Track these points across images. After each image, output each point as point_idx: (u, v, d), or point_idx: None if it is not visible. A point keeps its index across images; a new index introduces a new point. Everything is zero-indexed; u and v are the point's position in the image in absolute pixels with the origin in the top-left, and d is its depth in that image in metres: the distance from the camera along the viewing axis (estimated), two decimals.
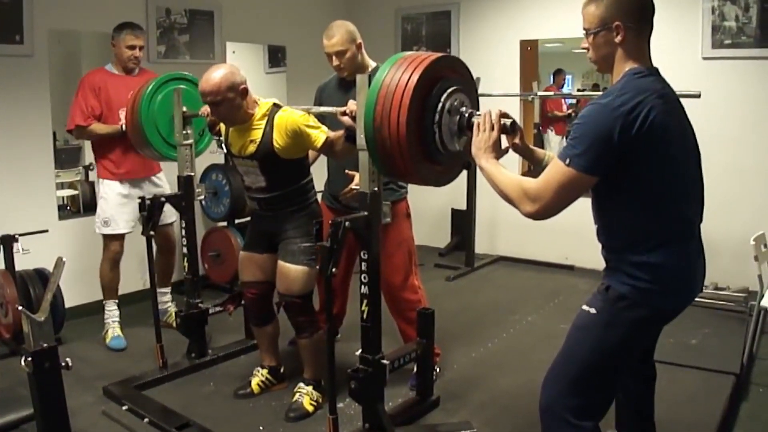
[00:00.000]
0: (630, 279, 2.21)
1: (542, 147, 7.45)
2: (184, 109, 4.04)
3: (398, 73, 2.49)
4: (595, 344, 2.27)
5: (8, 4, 4.52)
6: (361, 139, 2.86)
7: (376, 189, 2.97)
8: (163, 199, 3.98)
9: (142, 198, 3.92)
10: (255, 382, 3.88)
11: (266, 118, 3.40)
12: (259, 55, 6.97)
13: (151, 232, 3.92)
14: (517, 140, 2.53)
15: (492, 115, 2.40)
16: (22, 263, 4.31)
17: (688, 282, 2.32)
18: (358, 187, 3.22)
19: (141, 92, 4.15)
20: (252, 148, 3.41)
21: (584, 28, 2.27)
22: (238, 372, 4.11)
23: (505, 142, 2.48)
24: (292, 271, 3.47)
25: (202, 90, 3.33)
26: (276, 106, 3.45)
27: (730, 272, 5.23)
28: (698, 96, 4.69)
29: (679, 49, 5.58)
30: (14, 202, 4.63)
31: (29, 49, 4.65)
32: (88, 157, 5.94)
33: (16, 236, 4.22)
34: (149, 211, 3.89)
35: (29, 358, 2.24)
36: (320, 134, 3.34)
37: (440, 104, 2.52)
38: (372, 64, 3.83)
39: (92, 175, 5.96)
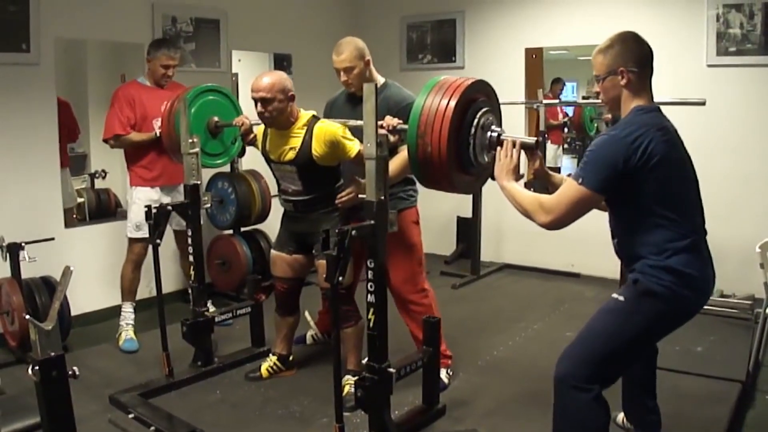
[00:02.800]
0: (655, 279, 2.52)
1: (545, 156, 7.47)
2: (216, 118, 4.29)
3: (438, 95, 2.80)
4: (618, 327, 2.59)
5: (15, 13, 4.54)
6: (369, 148, 2.90)
7: (382, 198, 2.98)
8: (169, 207, 3.99)
9: (149, 206, 3.93)
10: (265, 367, 4.14)
11: (306, 128, 3.67)
12: (265, 63, 6.98)
13: (158, 240, 3.93)
14: (537, 166, 2.88)
15: (512, 143, 2.76)
16: (28, 271, 4.33)
17: (705, 284, 2.64)
18: (352, 195, 3.61)
19: (175, 105, 4.22)
20: (291, 154, 3.68)
21: (595, 75, 2.68)
22: (244, 380, 4.11)
23: (524, 168, 2.85)
24: None
25: (256, 86, 3.60)
26: (315, 118, 3.72)
27: (736, 280, 5.22)
28: (703, 103, 4.69)
29: (683, 56, 5.59)
30: (20, 210, 4.63)
31: (36, 58, 4.67)
32: (94, 164, 5.97)
33: (23, 244, 4.23)
34: (156, 219, 3.89)
35: (36, 367, 2.24)
36: (354, 146, 3.60)
37: (476, 121, 2.81)
38: (380, 79, 3.89)
39: (98, 183, 5.99)
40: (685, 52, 5.60)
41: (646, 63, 2.61)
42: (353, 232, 2.92)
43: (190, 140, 3.98)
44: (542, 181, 2.98)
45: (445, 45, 6.98)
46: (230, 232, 5.77)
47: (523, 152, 2.81)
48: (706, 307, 4.67)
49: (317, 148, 3.61)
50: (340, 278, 2.95)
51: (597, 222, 2.82)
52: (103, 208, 5.90)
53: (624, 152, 2.43)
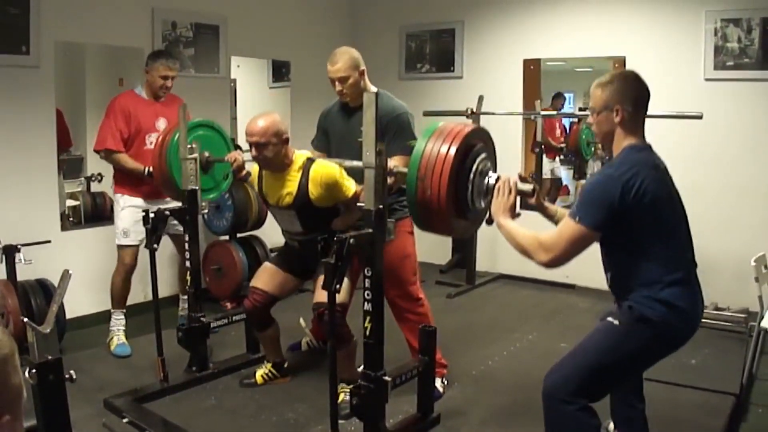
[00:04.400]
0: (649, 309, 2.57)
1: (541, 169, 7.50)
2: (207, 153, 4.18)
3: (439, 141, 2.82)
4: (610, 348, 2.63)
5: (15, 16, 4.54)
6: (368, 156, 2.91)
7: (381, 207, 2.99)
8: (167, 212, 3.99)
9: (146, 211, 3.93)
10: (259, 374, 4.15)
11: (301, 171, 3.68)
12: (264, 70, 7.01)
13: (155, 246, 3.93)
14: (533, 201, 2.92)
15: (510, 182, 2.80)
16: (24, 274, 4.32)
17: (695, 317, 2.68)
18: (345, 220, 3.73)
19: (167, 140, 4.19)
20: (289, 199, 3.71)
21: (590, 107, 2.73)
22: (239, 386, 4.11)
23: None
24: None
25: (250, 130, 3.60)
26: (309, 160, 3.72)
27: (730, 293, 5.24)
28: (700, 117, 4.73)
29: (681, 70, 5.62)
30: (17, 213, 4.63)
31: (35, 61, 4.68)
32: (90, 167, 5.96)
33: (19, 246, 4.23)
34: (153, 224, 3.90)
35: (33, 370, 2.24)
36: (351, 186, 3.66)
37: (474, 166, 2.85)
38: (373, 89, 3.88)
39: (94, 186, 5.98)
40: (682, 65, 5.63)
41: (642, 104, 2.67)
42: (351, 240, 2.92)
43: (189, 146, 3.98)
44: (540, 213, 3.02)
45: (444, 55, 7.01)
46: (226, 238, 5.77)
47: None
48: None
49: (314, 192, 3.64)
50: (338, 286, 2.96)
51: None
52: (99, 212, 5.89)
53: (619, 190, 2.49)
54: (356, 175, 3.60)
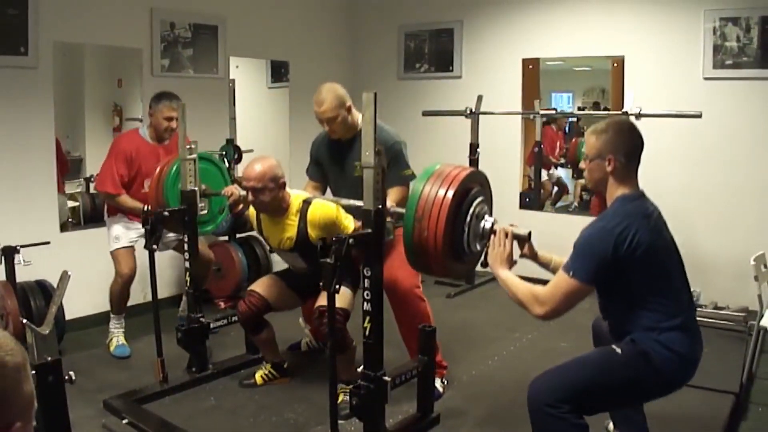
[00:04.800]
0: (650, 347, 2.59)
1: (539, 177, 7.50)
2: (204, 186, 4.17)
3: (437, 184, 2.82)
4: (605, 369, 2.64)
5: (14, 16, 4.54)
6: (367, 157, 2.90)
7: (380, 207, 2.98)
8: (166, 213, 3.98)
9: (146, 212, 3.93)
10: (259, 374, 4.17)
11: (299, 215, 3.74)
12: (262, 70, 7.00)
13: (154, 246, 3.93)
14: (526, 250, 2.97)
15: (504, 232, 2.84)
16: (23, 275, 4.31)
17: (693, 361, 2.69)
18: None
19: (164, 171, 4.21)
20: (289, 243, 3.79)
21: (584, 152, 2.77)
22: (238, 387, 4.11)
23: (517, 251, 2.92)
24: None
25: (247, 175, 3.65)
26: (306, 203, 3.76)
27: (729, 292, 5.25)
28: (699, 116, 4.73)
29: (680, 69, 5.62)
30: (16, 214, 4.64)
31: (34, 61, 4.67)
32: (90, 169, 5.96)
33: (18, 248, 4.22)
34: (152, 225, 3.89)
35: (33, 372, 2.24)
36: (349, 224, 3.71)
37: (471, 210, 2.85)
38: (359, 116, 3.84)
39: (93, 187, 5.97)
40: (681, 64, 5.63)
41: (635, 155, 2.69)
42: (350, 241, 2.92)
43: (188, 146, 3.98)
44: (533, 262, 3.04)
45: (442, 54, 7.00)
46: (226, 238, 5.77)
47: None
48: (700, 318, 4.70)
49: (313, 233, 3.67)
50: (337, 287, 2.95)
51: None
52: (99, 213, 5.88)
53: (611, 244, 2.52)
54: (353, 212, 3.65)
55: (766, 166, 5.41)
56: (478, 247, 2.96)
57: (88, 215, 5.90)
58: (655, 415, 3.18)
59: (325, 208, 3.70)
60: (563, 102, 10.22)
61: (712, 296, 5.29)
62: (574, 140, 8.62)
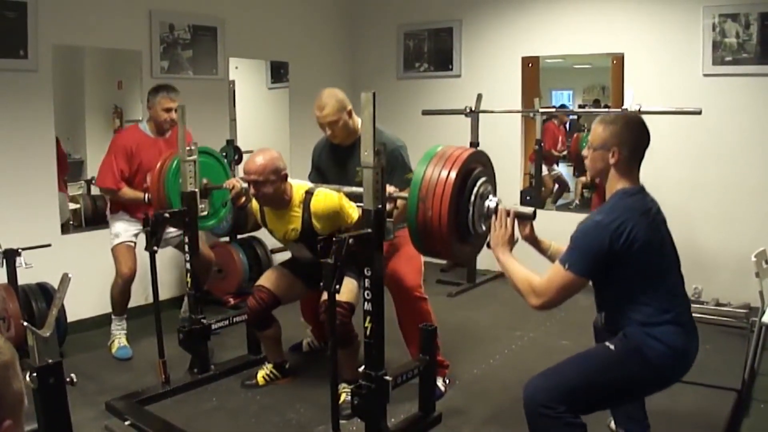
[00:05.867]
0: (643, 342, 2.59)
1: (540, 175, 7.51)
2: (205, 180, 4.18)
3: (439, 165, 2.82)
4: (599, 368, 2.64)
5: (13, 19, 4.55)
6: (366, 156, 2.91)
7: (380, 206, 2.98)
8: (166, 215, 3.98)
9: (146, 214, 3.93)
10: (261, 374, 4.15)
11: (302, 206, 3.72)
12: (262, 71, 7.00)
13: (155, 248, 3.93)
14: (527, 232, 2.96)
15: (507, 213, 2.84)
16: (24, 277, 4.32)
17: (688, 356, 2.68)
18: None
19: (165, 168, 4.20)
20: (294, 235, 3.79)
21: (589, 141, 2.75)
22: (240, 388, 4.12)
23: (517, 233, 2.92)
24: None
25: (248, 169, 3.63)
26: (308, 193, 3.74)
27: (731, 288, 5.24)
28: (699, 113, 4.72)
29: (679, 65, 5.62)
30: (17, 216, 4.64)
31: (33, 64, 4.68)
32: (90, 171, 5.97)
33: (19, 250, 4.22)
34: (153, 226, 3.89)
35: (34, 374, 2.25)
36: (354, 213, 3.68)
37: (475, 189, 2.86)
38: (359, 120, 3.87)
39: (94, 189, 5.98)
40: (681, 61, 5.63)
41: (639, 151, 2.69)
42: (350, 241, 2.92)
43: (188, 147, 3.98)
44: (532, 246, 3.02)
45: (442, 53, 7.00)
46: (227, 239, 5.78)
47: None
48: (701, 315, 4.71)
49: (318, 224, 3.68)
50: (337, 286, 2.96)
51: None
52: (100, 215, 5.89)
53: (608, 239, 2.52)
54: (356, 200, 3.63)
55: (766, 163, 5.41)
56: (484, 228, 2.96)
57: (90, 217, 5.91)
58: (657, 412, 3.18)
59: (328, 198, 3.68)
60: (564, 100, 10.24)
61: (714, 293, 5.29)
62: (576, 135, 8.64)
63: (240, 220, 5.61)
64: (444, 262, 6.93)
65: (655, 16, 5.75)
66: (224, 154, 5.77)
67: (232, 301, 5.56)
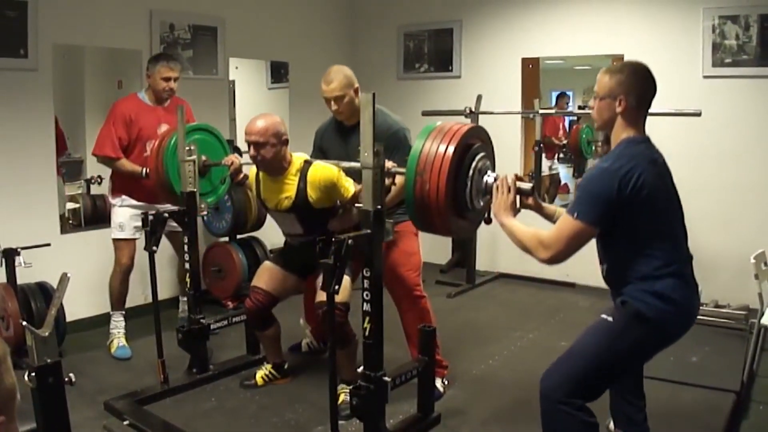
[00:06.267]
0: (643, 302, 2.57)
1: (540, 176, 7.48)
2: (204, 157, 4.19)
3: (437, 140, 2.81)
4: (605, 346, 2.62)
5: (13, 19, 4.55)
6: (366, 157, 2.91)
7: (379, 207, 2.98)
8: (165, 214, 3.98)
9: (145, 213, 3.93)
10: (259, 375, 4.16)
11: (299, 174, 3.68)
12: (262, 71, 7.00)
13: (154, 248, 3.93)
14: (530, 201, 2.91)
15: (508, 180, 2.80)
16: (23, 277, 4.32)
17: (689, 310, 2.68)
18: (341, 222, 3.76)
19: (164, 143, 4.20)
20: (288, 203, 3.72)
21: (595, 91, 2.71)
22: (239, 388, 4.12)
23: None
24: None
25: (249, 130, 3.59)
26: (307, 163, 3.72)
27: (730, 290, 5.24)
28: (699, 114, 4.73)
29: (679, 67, 5.61)
30: (17, 216, 4.63)
31: (33, 64, 4.68)
32: (90, 170, 5.96)
33: (19, 250, 4.23)
34: (152, 226, 3.89)
35: (33, 374, 2.24)
36: (350, 187, 3.66)
37: (474, 164, 2.84)
38: None
39: (94, 189, 5.98)
40: (681, 63, 5.62)
41: (646, 99, 2.66)
42: (350, 241, 2.92)
43: (187, 147, 3.98)
44: (537, 213, 3.00)
45: (442, 54, 7.00)
46: (226, 239, 5.77)
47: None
48: (700, 317, 4.70)
49: (313, 194, 3.64)
50: (336, 287, 2.96)
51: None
52: (99, 214, 5.88)
53: (616, 184, 2.49)
54: (354, 176, 3.62)
55: (765, 164, 5.41)
56: (481, 204, 2.94)
57: (89, 216, 5.90)
58: (657, 413, 3.18)
59: (327, 169, 3.65)
60: (569, 101, 10.20)
61: (713, 294, 5.29)
62: (575, 127, 8.62)
63: (239, 220, 5.62)
64: (443, 263, 6.94)
65: (655, 17, 5.75)
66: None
67: (230, 304, 5.55)
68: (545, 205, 3.00)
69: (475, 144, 2.90)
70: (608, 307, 2.72)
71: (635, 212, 2.53)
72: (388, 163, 3.18)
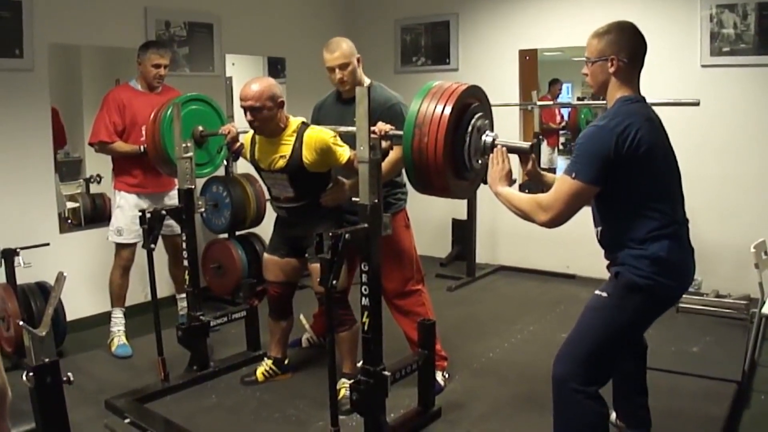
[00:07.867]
0: (636, 270, 2.55)
1: (540, 157, 7.48)
2: (201, 128, 4.27)
3: (434, 100, 2.81)
4: (606, 323, 2.63)
5: (8, 18, 4.54)
6: (362, 151, 2.90)
7: (376, 201, 2.98)
8: (163, 212, 3.98)
9: (143, 211, 3.92)
10: (260, 371, 4.15)
11: (295, 135, 3.64)
12: (259, 67, 6.98)
13: (152, 245, 3.93)
14: (529, 167, 2.90)
15: (503, 149, 2.80)
16: (23, 277, 4.32)
17: (685, 272, 2.67)
18: (335, 194, 3.72)
19: (161, 112, 4.23)
20: (282, 162, 3.65)
21: (586, 56, 2.68)
22: (239, 384, 4.11)
23: (516, 172, 2.87)
24: None
25: (244, 95, 3.55)
26: (304, 125, 3.69)
27: (731, 280, 5.24)
28: (697, 104, 4.71)
29: (677, 56, 5.60)
30: (15, 216, 4.63)
31: (29, 63, 4.67)
32: (89, 169, 5.96)
33: (18, 250, 4.22)
34: (150, 224, 3.89)
35: (31, 373, 2.24)
36: (345, 152, 3.59)
37: (472, 122, 2.84)
38: (367, 80, 3.89)
39: (93, 188, 5.98)
40: (678, 52, 5.61)
41: (637, 56, 2.63)
42: (347, 236, 2.92)
43: (184, 144, 3.98)
44: (535, 182, 3.00)
45: (439, 47, 6.99)
46: (225, 236, 5.77)
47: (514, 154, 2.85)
48: (701, 307, 4.70)
49: (308, 156, 3.59)
50: (334, 282, 2.95)
51: (592, 223, 2.82)
52: (98, 213, 5.88)
53: (613, 142, 2.46)
54: (350, 141, 3.59)
55: (765, 153, 5.40)
56: (480, 164, 2.92)
57: (89, 216, 5.90)
58: (658, 404, 3.19)
59: (323, 132, 3.62)
60: (563, 92, 10.18)
61: (714, 284, 5.29)
62: (573, 110, 8.62)
63: (238, 217, 5.61)
64: (444, 256, 6.93)
65: (652, 7, 5.73)
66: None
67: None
68: (544, 173, 2.99)
69: (473, 103, 2.90)
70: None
71: (633, 170, 2.51)
72: (386, 126, 3.19)
